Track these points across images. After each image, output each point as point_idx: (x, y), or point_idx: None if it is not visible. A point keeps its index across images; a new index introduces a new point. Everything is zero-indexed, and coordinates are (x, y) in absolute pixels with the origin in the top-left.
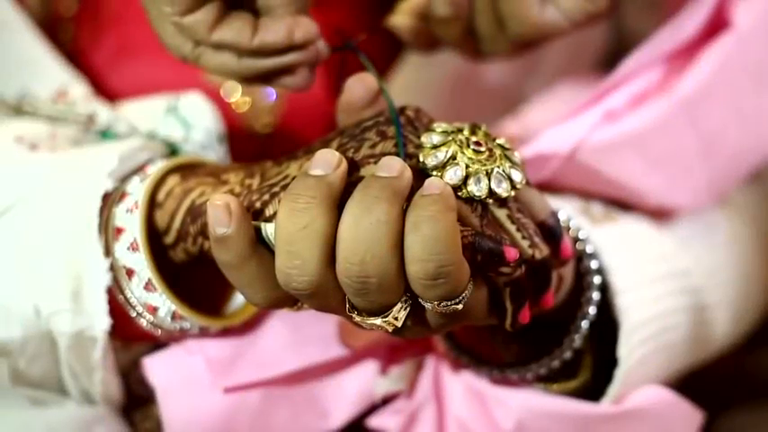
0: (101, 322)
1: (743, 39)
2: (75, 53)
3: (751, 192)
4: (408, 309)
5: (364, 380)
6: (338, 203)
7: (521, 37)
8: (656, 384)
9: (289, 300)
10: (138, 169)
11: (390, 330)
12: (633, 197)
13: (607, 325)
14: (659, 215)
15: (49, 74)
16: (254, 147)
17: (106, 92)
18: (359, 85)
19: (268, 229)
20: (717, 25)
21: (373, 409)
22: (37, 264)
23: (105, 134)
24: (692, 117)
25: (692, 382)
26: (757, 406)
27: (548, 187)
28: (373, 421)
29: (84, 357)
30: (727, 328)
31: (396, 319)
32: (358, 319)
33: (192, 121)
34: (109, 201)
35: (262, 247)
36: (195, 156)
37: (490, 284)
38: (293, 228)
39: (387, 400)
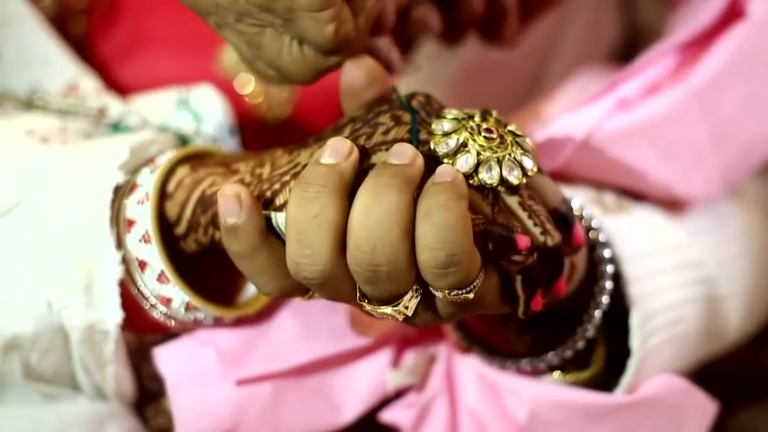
0: (113, 316)
1: (756, 28)
2: (86, 46)
3: (763, 183)
4: (419, 297)
5: (376, 372)
6: (349, 191)
7: None
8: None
9: (300, 288)
10: (149, 161)
11: (401, 319)
12: (645, 186)
13: (620, 315)
14: (671, 205)
15: (59, 68)
16: (266, 138)
17: (117, 84)
18: (357, 68)
19: (279, 219)
20: (731, 14)
21: (385, 403)
22: (48, 257)
23: (117, 127)
24: (705, 106)
25: (705, 379)
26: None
27: (560, 176)
28: (385, 415)
29: (96, 351)
30: (740, 319)
31: (406, 307)
32: (368, 307)
33: (203, 113)
34: (120, 193)
35: (273, 237)
36: (204, 145)
37: (502, 272)
38: (304, 217)
39: (398, 394)
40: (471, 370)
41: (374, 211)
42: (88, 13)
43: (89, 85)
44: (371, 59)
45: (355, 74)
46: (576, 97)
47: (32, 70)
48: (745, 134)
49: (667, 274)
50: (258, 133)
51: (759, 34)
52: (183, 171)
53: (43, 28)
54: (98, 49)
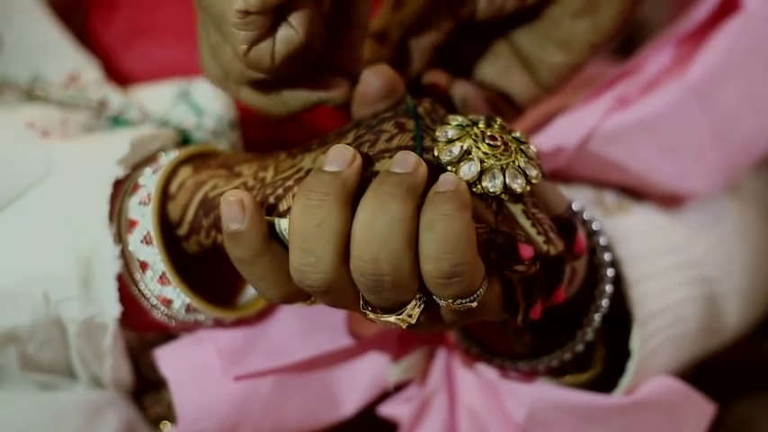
0: (111, 309)
1: (752, 21)
2: (86, 34)
3: (760, 179)
4: (422, 306)
5: (376, 367)
6: (353, 199)
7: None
8: (668, 375)
9: (302, 295)
10: (151, 158)
11: (404, 327)
12: (646, 184)
13: (620, 316)
14: (671, 202)
15: (61, 56)
16: (266, 133)
17: (118, 73)
18: (375, 78)
19: (282, 225)
20: (727, 7)
21: (384, 397)
22: (47, 250)
23: (117, 121)
24: (703, 101)
25: (703, 371)
26: (764, 396)
27: (560, 176)
28: (384, 409)
29: (94, 344)
30: (738, 315)
31: (410, 316)
32: (372, 316)
33: (203, 107)
34: (121, 190)
35: (275, 243)
36: (207, 144)
37: (504, 280)
38: (307, 225)
39: (398, 388)
40: (470, 369)
41: (377, 220)
42: (89, 1)
43: (90, 76)
44: (389, 68)
45: (375, 84)
46: (575, 93)
47: (34, 58)
48: (743, 128)
49: (667, 275)
50: (259, 127)
51: (755, 27)
52: (185, 172)
53: (45, 15)
54: (98, 36)
